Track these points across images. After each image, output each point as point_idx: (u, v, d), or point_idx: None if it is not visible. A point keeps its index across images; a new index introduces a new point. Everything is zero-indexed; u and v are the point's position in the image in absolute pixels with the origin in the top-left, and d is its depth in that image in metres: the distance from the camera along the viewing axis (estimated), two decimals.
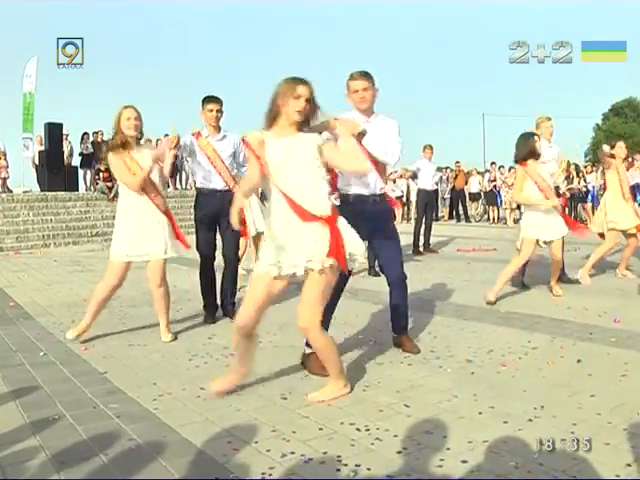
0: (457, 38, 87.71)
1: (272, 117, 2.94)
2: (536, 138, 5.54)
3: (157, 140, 10.87)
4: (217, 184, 4.86)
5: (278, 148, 2.88)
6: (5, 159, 15.59)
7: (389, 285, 3.96)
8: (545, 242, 5.64)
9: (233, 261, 5.10)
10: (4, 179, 15.55)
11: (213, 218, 4.84)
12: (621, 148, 6.77)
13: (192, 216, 5.20)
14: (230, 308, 4.99)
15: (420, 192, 10.11)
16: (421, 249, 9.64)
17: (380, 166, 3.75)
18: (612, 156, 6.72)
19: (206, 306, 5.01)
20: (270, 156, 2.88)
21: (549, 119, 6.45)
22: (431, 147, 9.86)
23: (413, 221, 10.04)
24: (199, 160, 4.88)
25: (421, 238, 9.78)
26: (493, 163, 19.19)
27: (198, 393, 3.16)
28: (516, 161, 5.61)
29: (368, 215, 3.69)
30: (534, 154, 5.44)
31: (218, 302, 5.07)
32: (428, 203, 10.08)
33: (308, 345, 3.46)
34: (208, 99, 4.89)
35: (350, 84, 3.74)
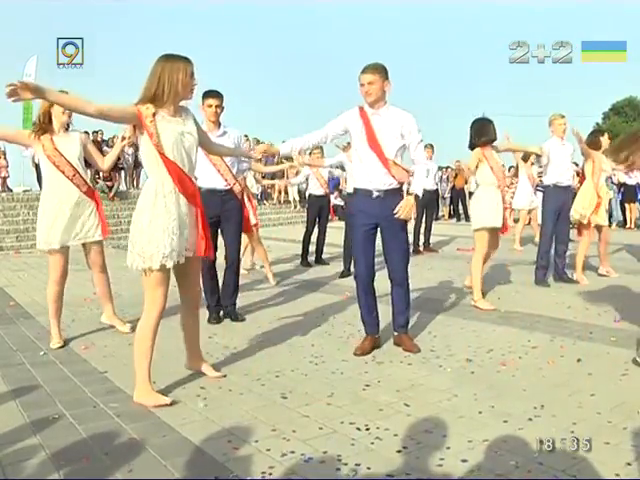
0: (457, 38, 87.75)
1: None
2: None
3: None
4: (218, 183, 4.77)
5: None
6: (5, 158, 15.60)
7: (391, 282, 3.97)
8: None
9: (235, 261, 5.02)
10: (4, 178, 15.56)
11: (214, 218, 4.69)
12: (604, 140, 6.63)
13: None
14: (231, 309, 4.96)
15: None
16: (421, 248, 9.63)
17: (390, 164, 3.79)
18: (594, 146, 6.55)
19: (209, 306, 4.98)
20: None
21: (562, 116, 6.37)
22: (432, 146, 9.85)
23: (412, 220, 10.01)
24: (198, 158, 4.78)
25: (421, 237, 9.77)
26: None
27: (198, 392, 3.16)
28: (476, 146, 5.46)
29: (374, 210, 3.76)
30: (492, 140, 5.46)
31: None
32: (429, 203, 10.06)
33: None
34: (208, 93, 4.72)
35: (359, 77, 3.79)
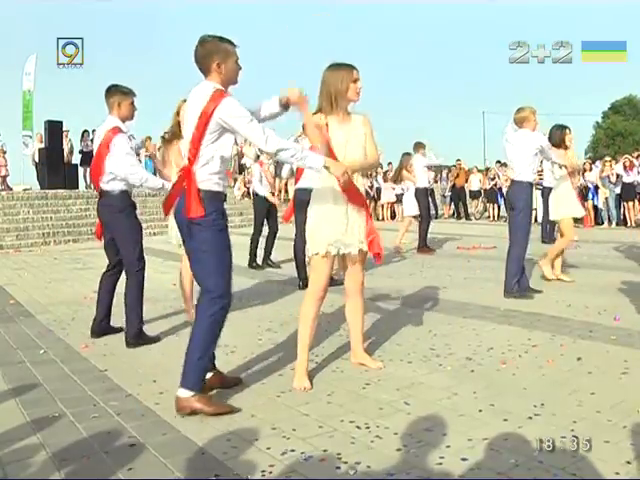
0: (457, 37, 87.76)
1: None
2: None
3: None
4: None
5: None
6: (4, 157, 15.60)
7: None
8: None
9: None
10: (4, 177, 15.56)
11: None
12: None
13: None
14: None
15: (419, 190, 9.83)
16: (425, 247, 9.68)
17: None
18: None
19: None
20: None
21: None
22: (423, 145, 9.87)
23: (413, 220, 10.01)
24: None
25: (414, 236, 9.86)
26: (498, 162, 19.11)
27: None
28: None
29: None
30: None
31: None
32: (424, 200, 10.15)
33: None
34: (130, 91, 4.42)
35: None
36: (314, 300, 3.32)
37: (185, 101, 4.04)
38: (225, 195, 3.02)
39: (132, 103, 4.29)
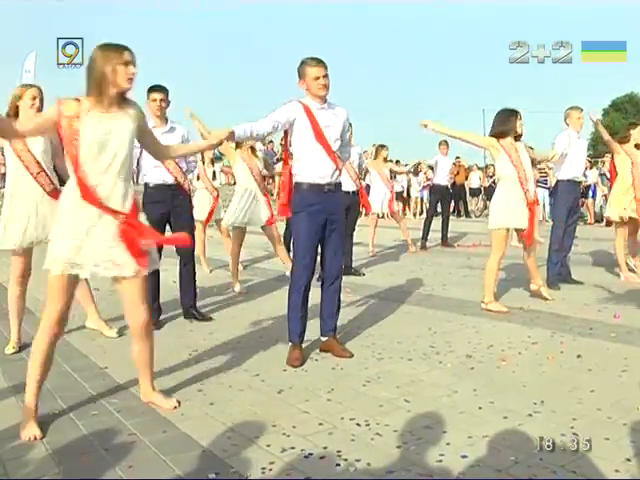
0: (458, 37, 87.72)
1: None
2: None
3: None
4: (167, 178, 4.61)
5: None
6: (2, 154, 15.58)
7: (323, 280, 3.84)
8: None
9: (190, 259, 4.78)
10: (3, 174, 15.56)
11: (164, 214, 4.55)
12: (635, 133, 6.41)
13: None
14: (192, 309, 4.81)
15: (435, 187, 10.36)
16: (427, 244, 9.73)
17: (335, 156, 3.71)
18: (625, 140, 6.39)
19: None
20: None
21: (581, 110, 6.22)
22: (447, 143, 9.93)
23: (417, 216, 10.07)
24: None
25: (430, 233, 9.89)
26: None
27: (198, 388, 3.17)
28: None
29: (322, 205, 3.64)
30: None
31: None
32: (443, 198, 10.23)
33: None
34: (152, 88, 4.57)
35: (309, 71, 3.60)
36: (46, 329, 2.72)
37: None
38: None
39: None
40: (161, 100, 4.56)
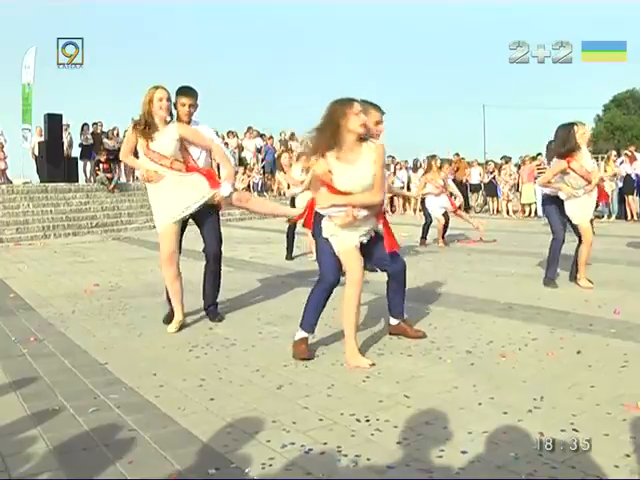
0: (458, 37, 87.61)
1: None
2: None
3: None
4: None
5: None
6: (3, 150, 15.56)
7: (389, 275, 4.02)
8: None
9: (217, 256, 4.67)
10: (3, 170, 15.53)
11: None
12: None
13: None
14: (212, 309, 4.69)
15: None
16: (426, 241, 9.70)
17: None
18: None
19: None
20: None
21: (584, 125, 5.97)
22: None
23: (417, 212, 10.09)
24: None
25: (430, 230, 9.89)
26: (503, 157, 19.00)
27: (199, 383, 3.17)
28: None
29: None
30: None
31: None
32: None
33: None
34: (181, 92, 4.47)
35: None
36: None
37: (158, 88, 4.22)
38: None
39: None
40: (190, 105, 4.46)
